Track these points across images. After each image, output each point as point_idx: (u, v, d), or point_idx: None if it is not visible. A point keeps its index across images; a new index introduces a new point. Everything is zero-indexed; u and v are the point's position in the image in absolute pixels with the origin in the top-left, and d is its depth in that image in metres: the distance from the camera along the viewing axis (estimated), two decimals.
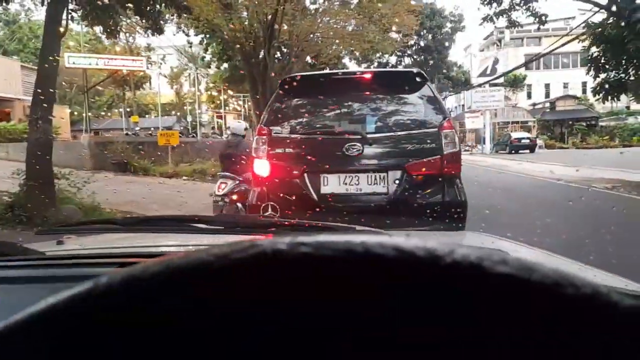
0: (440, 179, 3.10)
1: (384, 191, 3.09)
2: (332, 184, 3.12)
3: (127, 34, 26.35)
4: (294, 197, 3.11)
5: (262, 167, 3.22)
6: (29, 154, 5.91)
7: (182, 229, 1.02)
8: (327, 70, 13.80)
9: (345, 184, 3.11)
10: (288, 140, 3.25)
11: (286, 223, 0.91)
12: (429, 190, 3.13)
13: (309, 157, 3.14)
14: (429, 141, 3.13)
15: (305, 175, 3.12)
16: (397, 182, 3.07)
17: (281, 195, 3.16)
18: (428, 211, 3.07)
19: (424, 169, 3.09)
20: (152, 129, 30.92)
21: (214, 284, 0.24)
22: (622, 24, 7.99)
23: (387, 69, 14.83)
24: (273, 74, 15.37)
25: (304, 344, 0.25)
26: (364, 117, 3.36)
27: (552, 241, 3.51)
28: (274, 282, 0.24)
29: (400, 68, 30.57)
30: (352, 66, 27.66)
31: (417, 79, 3.37)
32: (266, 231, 0.90)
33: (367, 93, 3.40)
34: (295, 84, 3.50)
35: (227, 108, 42.56)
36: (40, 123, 5.84)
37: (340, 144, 3.10)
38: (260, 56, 15.38)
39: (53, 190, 6.06)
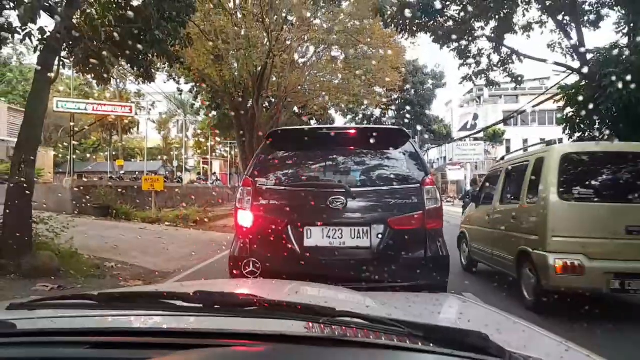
0: (422, 234, 3.14)
1: (367, 245, 3.09)
2: (316, 237, 3.11)
3: (118, 80, 26.75)
4: (277, 250, 3.09)
5: (245, 219, 3.22)
6: (8, 197, 5.79)
7: (158, 306, 0.99)
8: (313, 125, 14.15)
9: (329, 237, 3.11)
10: (272, 192, 3.27)
11: (266, 304, 0.89)
12: (411, 245, 3.15)
13: (293, 210, 3.15)
14: (411, 196, 3.19)
15: (289, 227, 3.12)
16: (379, 236, 3.09)
17: (264, 247, 3.14)
18: (411, 266, 3.08)
19: (406, 224, 3.12)
20: (137, 172, 30.74)
21: None
22: (594, 85, 8.44)
23: (372, 125, 15.40)
24: (260, 123, 15.66)
25: None
26: (348, 171, 3.42)
27: None
28: None
29: (384, 122, 31.41)
30: (337, 117, 28.42)
31: (400, 136, 3.49)
32: (244, 312, 0.88)
33: (352, 148, 3.47)
34: (281, 137, 3.58)
35: (214, 154, 42.74)
36: (22, 167, 5.77)
37: (324, 197, 3.13)
38: (249, 105, 15.71)
39: (30, 236, 5.90)
